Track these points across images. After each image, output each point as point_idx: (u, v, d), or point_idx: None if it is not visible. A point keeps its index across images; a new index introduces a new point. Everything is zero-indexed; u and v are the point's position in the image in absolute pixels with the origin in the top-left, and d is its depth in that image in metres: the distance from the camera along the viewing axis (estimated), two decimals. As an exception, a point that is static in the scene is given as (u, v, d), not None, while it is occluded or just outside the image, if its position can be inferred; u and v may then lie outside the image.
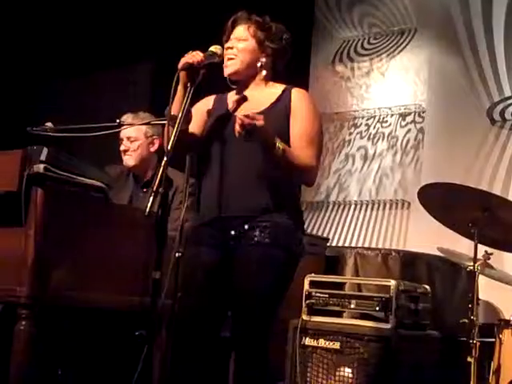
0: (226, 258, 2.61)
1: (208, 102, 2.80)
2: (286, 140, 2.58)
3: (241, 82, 2.73)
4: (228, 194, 2.60)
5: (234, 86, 2.75)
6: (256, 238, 2.55)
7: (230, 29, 2.74)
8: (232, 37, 2.71)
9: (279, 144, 2.48)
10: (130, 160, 3.72)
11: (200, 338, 2.60)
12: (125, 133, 3.69)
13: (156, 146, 3.73)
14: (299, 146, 2.58)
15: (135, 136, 3.71)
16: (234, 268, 2.59)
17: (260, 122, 2.40)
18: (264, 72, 2.71)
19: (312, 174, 2.63)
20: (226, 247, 2.61)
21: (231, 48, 2.68)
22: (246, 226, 2.57)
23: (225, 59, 2.68)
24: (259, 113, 2.51)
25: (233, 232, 2.59)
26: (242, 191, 2.59)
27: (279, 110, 2.64)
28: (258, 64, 2.70)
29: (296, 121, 2.62)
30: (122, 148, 3.74)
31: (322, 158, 2.69)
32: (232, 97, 2.76)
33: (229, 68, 2.68)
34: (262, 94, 2.70)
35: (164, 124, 2.62)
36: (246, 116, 2.39)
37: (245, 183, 2.59)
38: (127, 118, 3.63)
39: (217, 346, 2.64)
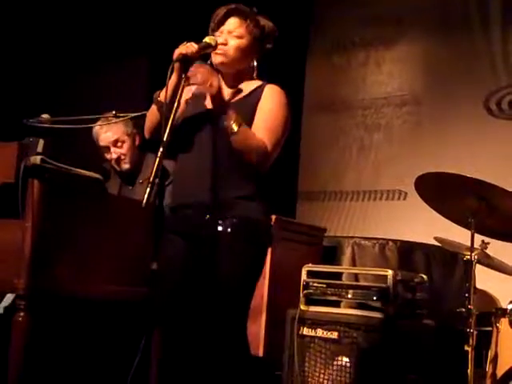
0: (192, 248, 2.57)
1: (188, 91, 2.76)
2: None
3: (226, 74, 2.71)
4: (195, 181, 2.57)
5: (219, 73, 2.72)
6: (221, 229, 2.51)
7: (222, 19, 2.68)
8: (224, 28, 2.67)
9: (235, 124, 2.47)
10: (127, 165, 3.73)
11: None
12: (107, 139, 3.68)
13: (138, 140, 3.73)
14: (256, 130, 2.56)
15: (121, 138, 3.69)
16: (202, 259, 2.55)
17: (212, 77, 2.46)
18: (254, 71, 2.72)
19: (263, 157, 2.56)
20: (192, 236, 2.57)
21: (225, 44, 2.63)
22: (210, 216, 2.53)
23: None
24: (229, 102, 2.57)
25: (196, 220, 2.55)
26: (209, 179, 2.54)
27: (249, 103, 2.63)
28: (254, 63, 2.71)
29: (260, 111, 2.61)
30: (113, 156, 3.71)
31: (278, 152, 2.62)
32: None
33: (218, 58, 2.64)
34: (239, 88, 2.69)
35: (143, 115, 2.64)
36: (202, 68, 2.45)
37: (213, 171, 2.54)
38: (100, 128, 3.62)
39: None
